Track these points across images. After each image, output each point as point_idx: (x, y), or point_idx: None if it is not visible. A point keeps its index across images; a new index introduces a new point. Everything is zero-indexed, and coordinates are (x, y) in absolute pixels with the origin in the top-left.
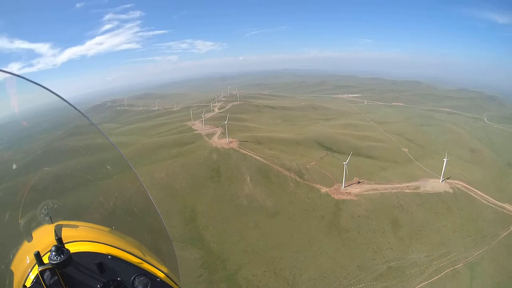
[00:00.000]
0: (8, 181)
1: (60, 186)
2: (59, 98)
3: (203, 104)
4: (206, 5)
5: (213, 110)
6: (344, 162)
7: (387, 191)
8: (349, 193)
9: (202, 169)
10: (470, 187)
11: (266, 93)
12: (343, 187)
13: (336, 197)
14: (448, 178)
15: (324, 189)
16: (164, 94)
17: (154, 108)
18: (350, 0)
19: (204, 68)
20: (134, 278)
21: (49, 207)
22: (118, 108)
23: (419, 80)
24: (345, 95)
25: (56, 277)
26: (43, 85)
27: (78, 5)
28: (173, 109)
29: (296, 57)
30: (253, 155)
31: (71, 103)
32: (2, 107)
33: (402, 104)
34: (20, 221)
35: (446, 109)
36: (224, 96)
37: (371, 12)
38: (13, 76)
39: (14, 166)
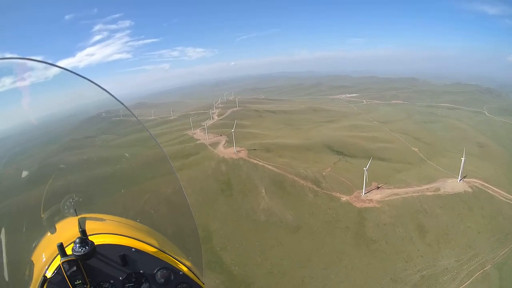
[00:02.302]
0: (33, 173)
1: (85, 179)
2: (96, 88)
3: (200, 111)
4: (195, 12)
5: (213, 118)
6: (364, 168)
7: (409, 195)
8: (371, 200)
9: (211, 182)
10: (487, 185)
11: (263, 97)
12: (363, 194)
13: (358, 205)
14: (465, 177)
15: (344, 198)
16: (158, 103)
17: (150, 118)
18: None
19: (196, 75)
20: (157, 271)
21: (73, 200)
22: (113, 118)
23: (414, 77)
24: (342, 96)
25: (77, 269)
26: (84, 76)
27: (67, 17)
28: (170, 118)
29: (287, 59)
30: (264, 164)
31: (112, 94)
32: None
33: (401, 101)
34: (43, 213)
35: (446, 105)
36: (221, 102)
37: (358, 10)
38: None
39: (40, 161)
